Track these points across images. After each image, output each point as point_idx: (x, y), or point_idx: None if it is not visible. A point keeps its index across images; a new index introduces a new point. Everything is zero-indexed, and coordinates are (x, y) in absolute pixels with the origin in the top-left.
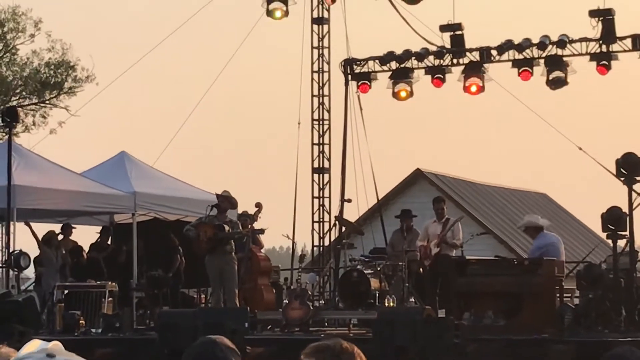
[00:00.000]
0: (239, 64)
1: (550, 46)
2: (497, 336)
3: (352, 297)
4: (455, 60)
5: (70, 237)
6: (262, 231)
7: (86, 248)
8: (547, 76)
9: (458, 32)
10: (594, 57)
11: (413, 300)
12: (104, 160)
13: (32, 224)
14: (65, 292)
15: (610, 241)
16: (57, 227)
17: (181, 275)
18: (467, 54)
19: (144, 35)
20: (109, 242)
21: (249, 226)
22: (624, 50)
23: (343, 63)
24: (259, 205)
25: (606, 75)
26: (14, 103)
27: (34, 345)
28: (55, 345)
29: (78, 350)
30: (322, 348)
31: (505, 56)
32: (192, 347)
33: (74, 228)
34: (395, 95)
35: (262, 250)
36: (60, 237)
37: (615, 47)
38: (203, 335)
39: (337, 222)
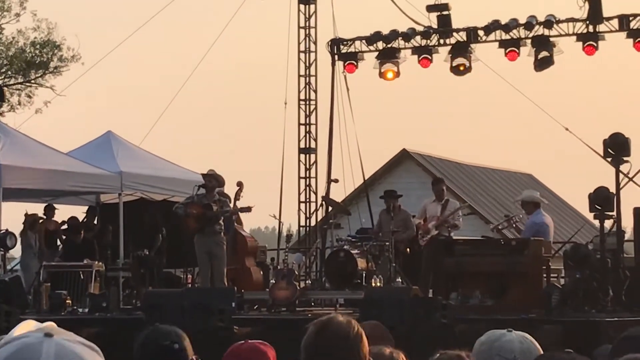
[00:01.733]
0: (225, 43)
1: (537, 26)
2: (485, 316)
3: (338, 277)
4: (442, 41)
5: (53, 218)
6: (249, 209)
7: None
8: (535, 56)
9: (445, 12)
10: (580, 37)
11: (400, 280)
12: (90, 140)
13: (18, 203)
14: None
15: (597, 221)
16: (40, 207)
17: (163, 255)
18: (454, 34)
19: (130, 15)
20: (95, 222)
21: (233, 205)
22: (611, 31)
23: (330, 43)
24: (239, 184)
25: (593, 56)
26: None
27: (28, 325)
28: (50, 325)
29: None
30: (320, 325)
31: (492, 36)
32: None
33: (57, 209)
34: (382, 75)
35: (246, 230)
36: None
37: (602, 27)
38: (190, 315)
39: (323, 202)
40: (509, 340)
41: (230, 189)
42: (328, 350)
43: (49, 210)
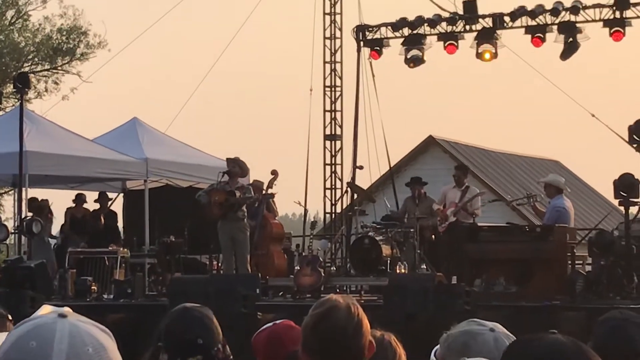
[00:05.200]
0: (251, 30)
1: (564, 12)
2: (509, 303)
3: (363, 263)
4: (467, 27)
5: (83, 206)
6: (271, 196)
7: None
8: (564, 42)
9: None
10: (607, 23)
11: (424, 267)
12: (116, 127)
13: (43, 190)
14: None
15: (622, 208)
16: (66, 193)
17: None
18: (480, 20)
19: (155, 2)
20: (109, 208)
21: (262, 191)
22: (638, 17)
23: (355, 29)
24: (274, 173)
25: (619, 42)
26: (26, 69)
27: (46, 310)
28: (67, 311)
29: (90, 316)
30: (324, 301)
31: (518, 22)
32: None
33: (86, 202)
34: (408, 61)
35: (276, 217)
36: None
37: (629, 13)
38: (215, 301)
39: (349, 189)
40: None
41: (263, 177)
42: (325, 344)
43: (79, 199)
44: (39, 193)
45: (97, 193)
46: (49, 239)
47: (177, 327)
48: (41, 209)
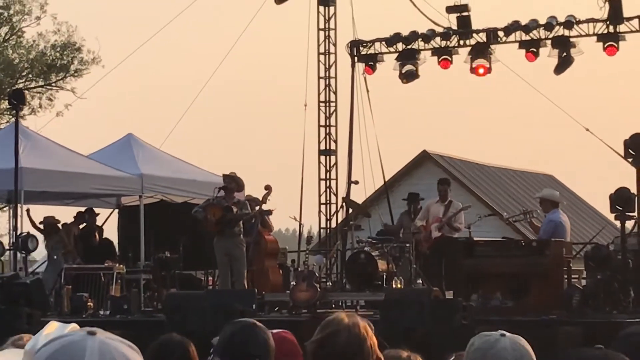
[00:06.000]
0: (245, 46)
1: (557, 27)
2: (505, 317)
3: (359, 278)
4: (461, 42)
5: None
6: (269, 212)
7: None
8: (558, 56)
9: (465, 14)
10: (601, 37)
11: (420, 281)
12: (110, 143)
13: (39, 206)
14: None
15: (618, 222)
16: (62, 210)
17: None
18: (474, 35)
19: (150, 17)
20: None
21: (257, 208)
22: (631, 31)
23: (349, 45)
24: (268, 188)
25: (613, 56)
26: (21, 86)
27: (53, 326)
28: (74, 327)
29: None
30: (327, 324)
31: (512, 37)
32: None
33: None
34: (402, 76)
35: (271, 233)
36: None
37: (622, 27)
38: (211, 317)
39: (344, 204)
40: (503, 348)
41: (257, 192)
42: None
43: (79, 217)
44: (34, 210)
45: (94, 209)
46: (60, 256)
47: (241, 340)
48: (50, 227)
